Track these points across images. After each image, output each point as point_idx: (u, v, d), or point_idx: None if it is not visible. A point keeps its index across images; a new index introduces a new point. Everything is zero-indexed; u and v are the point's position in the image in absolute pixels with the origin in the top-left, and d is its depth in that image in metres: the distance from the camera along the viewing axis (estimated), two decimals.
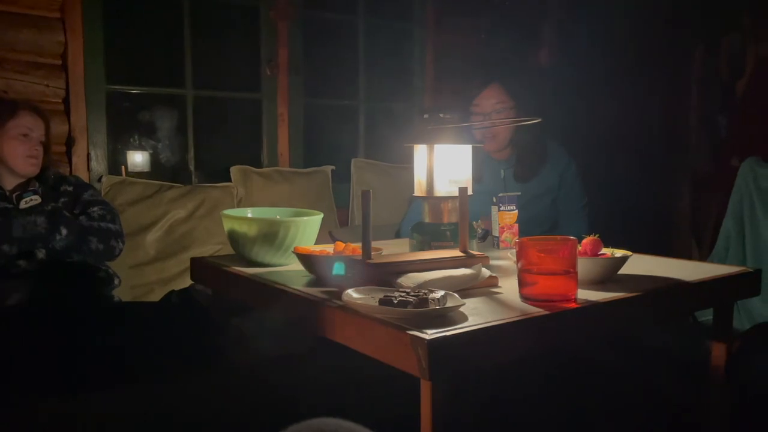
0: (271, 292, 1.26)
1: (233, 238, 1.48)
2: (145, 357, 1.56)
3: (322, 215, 1.54)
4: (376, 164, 3.01)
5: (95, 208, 1.98)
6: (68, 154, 2.38)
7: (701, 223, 3.50)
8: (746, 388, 1.59)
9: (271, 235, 1.42)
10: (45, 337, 1.59)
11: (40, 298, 1.79)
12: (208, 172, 2.75)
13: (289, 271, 1.41)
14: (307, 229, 1.47)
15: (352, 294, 1.06)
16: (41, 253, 1.85)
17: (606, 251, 1.31)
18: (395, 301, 0.98)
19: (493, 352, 0.95)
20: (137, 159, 2.65)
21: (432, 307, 0.97)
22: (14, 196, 1.92)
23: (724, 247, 2.44)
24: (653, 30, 3.47)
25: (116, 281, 2.00)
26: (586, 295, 1.13)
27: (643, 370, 1.76)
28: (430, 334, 0.87)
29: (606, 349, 1.76)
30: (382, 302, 0.99)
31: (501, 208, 1.74)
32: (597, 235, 1.32)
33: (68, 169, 2.37)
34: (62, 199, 1.97)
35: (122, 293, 2.10)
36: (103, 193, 2.31)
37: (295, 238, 1.44)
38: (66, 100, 2.36)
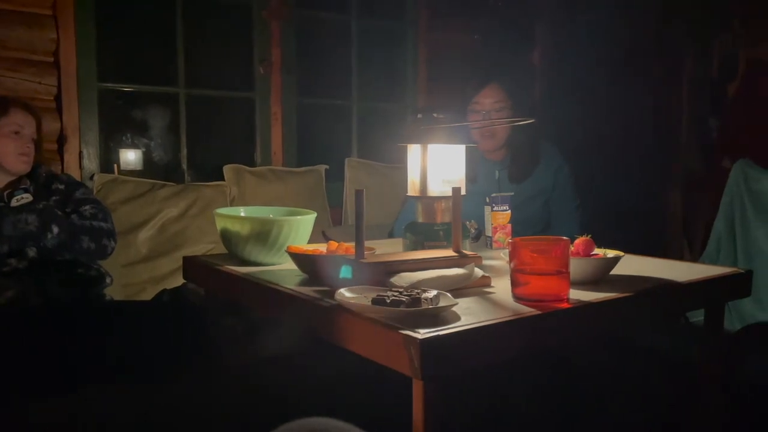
0: (263, 291, 1.26)
1: (226, 236, 1.48)
2: (136, 356, 1.55)
3: (315, 214, 1.54)
4: (370, 164, 3.01)
5: (87, 207, 1.97)
6: (60, 152, 2.37)
7: (693, 224, 3.52)
8: (737, 388, 1.60)
9: (263, 234, 1.42)
10: (36, 336, 1.58)
11: (31, 296, 1.77)
12: (201, 170, 2.74)
13: (281, 270, 1.41)
14: (300, 229, 1.47)
15: (345, 293, 1.05)
16: (32, 252, 1.84)
17: (598, 252, 1.31)
18: (388, 301, 0.97)
19: (486, 351, 0.95)
20: (130, 157, 2.64)
21: (425, 306, 0.97)
22: (5, 194, 1.91)
23: (716, 248, 2.45)
24: (646, 32, 3.48)
25: (108, 280, 1.99)
26: (578, 295, 1.13)
27: (636, 371, 1.77)
28: (423, 333, 0.87)
29: (598, 350, 1.77)
30: (374, 302, 0.99)
31: (494, 209, 1.74)
32: (589, 236, 1.33)
33: (60, 167, 2.36)
34: (54, 198, 1.96)
35: (114, 292, 2.09)
36: (94, 192, 2.30)
37: (288, 237, 1.44)
38: (58, 98, 2.35)
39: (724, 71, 3.40)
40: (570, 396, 1.65)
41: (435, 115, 1.43)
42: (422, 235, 1.43)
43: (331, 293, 1.10)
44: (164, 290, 1.92)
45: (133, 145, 2.67)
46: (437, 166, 1.42)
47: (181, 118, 2.70)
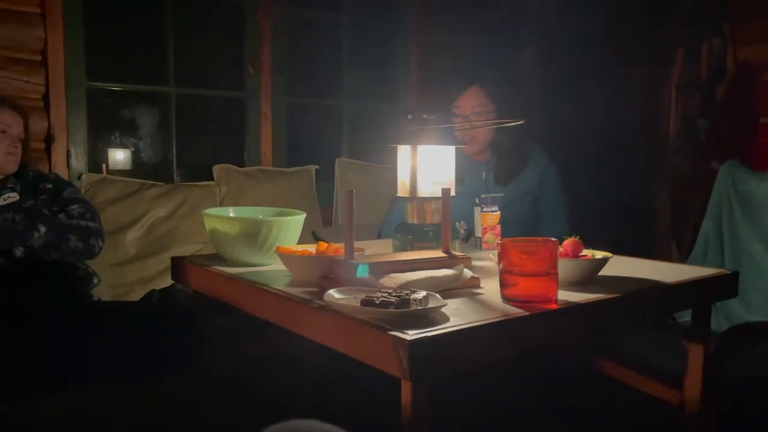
0: (252, 292, 1.25)
1: (215, 237, 1.47)
2: (124, 357, 1.54)
3: (304, 215, 1.53)
4: (360, 164, 3.00)
5: (74, 206, 1.96)
6: (47, 151, 2.35)
7: (681, 224, 3.55)
8: (723, 388, 1.61)
9: (253, 234, 1.42)
10: (22, 337, 1.57)
11: (18, 296, 1.76)
12: (191, 170, 2.73)
13: (271, 270, 1.40)
14: (289, 229, 1.46)
15: (334, 294, 1.05)
16: (19, 251, 1.82)
17: (587, 253, 1.31)
18: (377, 302, 0.97)
19: (474, 352, 0.95)
20: (118, 157, 2.63)
21: (414, 307, 0.97)
22: None
23: (703, 249, 2.47)
24: (636, 34, 3.50)
25: (95, 280, 1.98)
26: (566, 296, 1.14)
27: (624, 370, 1.78)
28: (411, 334, 0.87)
29: (587, 349, 1.78)
30: (364, 303, 0.99)
31: (484, 209, 1.74)
32: (578, 237, 1.33)
33: (47, 166, 2.34)
34: (41, 197, 1.95)
35: (102, 292, 2.08)
36: (82, 191, 2.28)
37: (277, 237, 1.44)
38: (45, 97, 2.33)
39: (712, 73, 3.43)
40: (558, 396, 1.65)
41: (425, 116, 1.43)
42: (412, 235, 1.43)
43: (320, 294, 1.10)
44: (153, 291, 1.91)
45: (122, 145, 2.65)
46: (427, 167, 1.43)
47: (171, 118, 2.68)
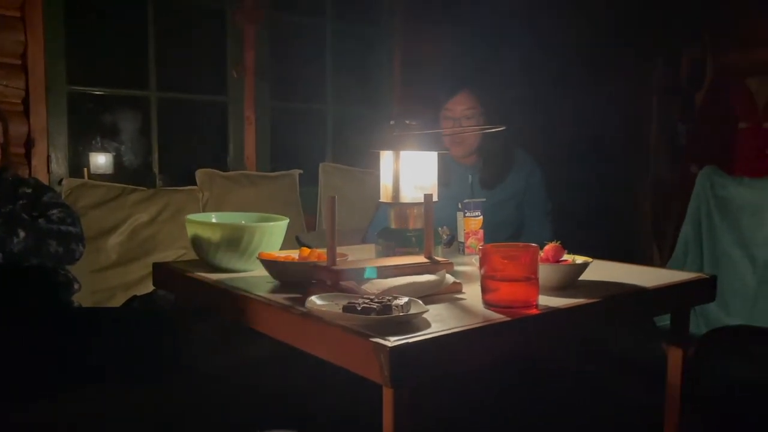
0: (235, 298, 1.25)
1: (197, 243, 1.46)
2: (104, 364, 1.53)
3: (287, 220, 1.53)
4: (344, 168, 3.01)
5: (54, 211, 1.94)
6: (27, 155, 2.33)
7: (663, 228, 3.59)
8: (702, 391, 1.63)
9: (235, 240, 1.41)
10: (1, 343, 1.55)
11: None
12: (174, 175, 2.71)
13: (253, 276, 1.40)
14: (272, 235, 1.46)
15: (316, 301, 1.05)
16: None
17: (567, 258, 1.33)
18: (359, 308, 0.98)
19: (456, 358, 0.95)
20: (100, 161, 2.61)
21: (395, 314, 0.97)
22: None
23: (683, 253, 2.50)
24: (618, 40, 3.54)
25: (76, 286, 1.96)
26: (547, 301, 1.15)
27: (604, 374, 1.80)
28: (393, 341, 0.87)
29: (568, 354, 1.79)
30: (345, 309, 0.99)
31: (466, 214, 1.75)
32: (559, 242, 1.34)
33: (27, 171, 2.31)
34: (20, 202, 1.93)
35: (83, 298, 2.06)
36: (63, 196, 2.26)
37: (260, 243, 1.43)
38: (26, 101, 2.31)
39: (692, 79, 3.48)
40: (540, 401, 1.66)
41: (408, 122, 1.44)
42: (395, 241, 1.43)
43: (302, 300, 1.10)
44: (134, 296, 1.90)
45: (104, 149, 2.63)
46: (410, 172, 1.43)
47: (153, 122, 2.67)
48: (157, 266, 1.57)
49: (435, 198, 1.41)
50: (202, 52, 2.85)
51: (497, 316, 1.04)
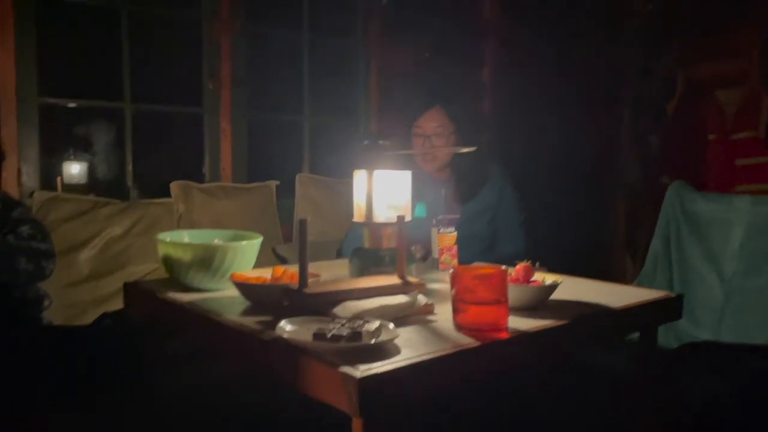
0: (205, 321, 1.24)
1: (168, 263, 1.45)
2: (72, 384, 1.51)
3: (261, 238, 1.53)
4: (321, 179, 3.00)
5: (24, 227, 1.91)
6: None
7: (636, 238, 3.65)
8: (673, 405, 1.66)
9: (207, 260, 1.40)
10: None
11: None
12: (148, 187, 2.69)
13: (225, 297, 1.39)
14: (244, 254, 1.46)
15: (285, 327, 1.05)
16: None
17: (537, 277, 1.34)
18: (328, 336, 0.98)
19: (425, 386, 0.96)
20: (74, 170, 2.57)
21: (365, 340, 0.98)
22: None
23: (653, 267, 2.54)
24: (589, 52, 3.60)
25: (46, 302, 1.93)
26: (517, 323, 1.16)
27: (578, 388, 1.82)
28: (361, 371, 0.88)
29: (543, 369, 1.81)
30: (315, 337, 0.99)
31: (440, 230, 1.76)
32: (529, 261, 1.36)
33: None
34: None
35: (54, 314, 2.03)
36: (34, 210, 2.23)
37: (232, 263, 1.43)
38: None
39: (663, 91, 3.55)
40: (515, 419, 1.68)
41: (381, 142, 1.45)
42: (368, 260, 1.44)
43: (273, 324, 1.10)
44: (105, 314, 1.87)
45: (77, 162, 2.60)
46: (383, 192, 1.44)
47: (127, 134, 2.64)
48: (127, 286, 1.55)
49: (408, 218, 1.42)
50: (178, 63, 2.83)
51: (467, 341, 1.05)
